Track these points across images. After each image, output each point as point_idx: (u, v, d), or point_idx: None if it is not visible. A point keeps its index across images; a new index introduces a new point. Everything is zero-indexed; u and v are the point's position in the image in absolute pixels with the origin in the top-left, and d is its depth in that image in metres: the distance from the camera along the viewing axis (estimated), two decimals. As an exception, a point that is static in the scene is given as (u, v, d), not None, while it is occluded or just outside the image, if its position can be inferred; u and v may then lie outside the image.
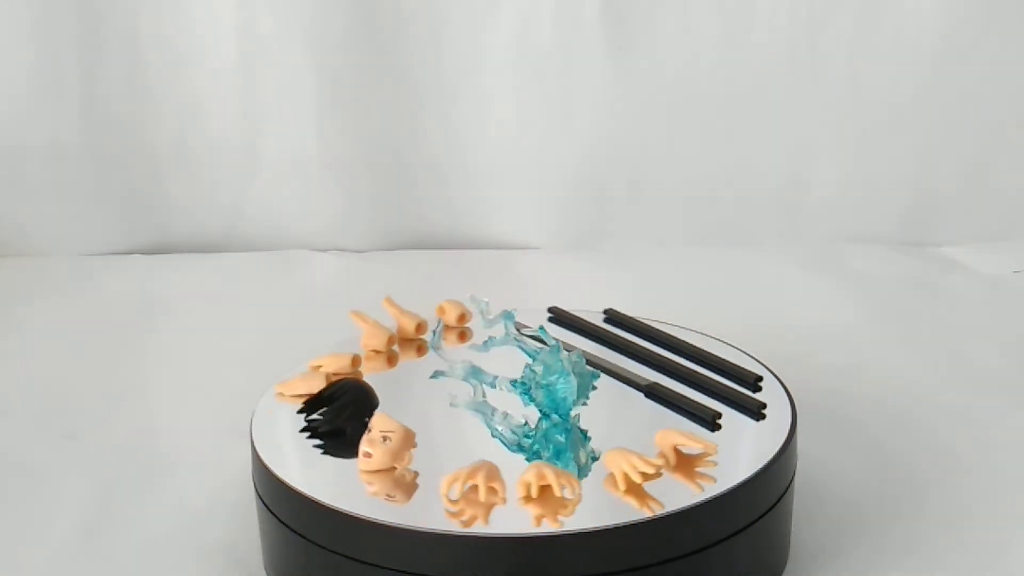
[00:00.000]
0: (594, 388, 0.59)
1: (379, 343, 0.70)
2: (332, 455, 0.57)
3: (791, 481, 0.57)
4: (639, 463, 0.53)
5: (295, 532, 0.53)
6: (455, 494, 0.52)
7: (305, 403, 0.61)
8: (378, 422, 0.55)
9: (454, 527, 0.50)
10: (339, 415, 0.60)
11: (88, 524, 0.64)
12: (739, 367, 0.65)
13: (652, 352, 0.68)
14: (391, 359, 0.70)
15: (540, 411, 0.58)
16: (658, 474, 0.53)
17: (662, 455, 0.54)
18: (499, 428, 0.57)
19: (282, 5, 1.10)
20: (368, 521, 0.50)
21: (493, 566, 0.49)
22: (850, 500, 0.65)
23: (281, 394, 0.63)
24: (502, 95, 1.13)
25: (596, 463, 0.55)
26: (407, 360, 0.70)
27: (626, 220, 1.16)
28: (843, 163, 1.15)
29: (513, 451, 0.56)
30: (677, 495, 0.52)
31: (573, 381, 0.57)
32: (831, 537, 0.62)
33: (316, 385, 0.62)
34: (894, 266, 1.09)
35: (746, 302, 1.00)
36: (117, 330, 0.95)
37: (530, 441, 0.57)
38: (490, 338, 0.63)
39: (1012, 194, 1.15)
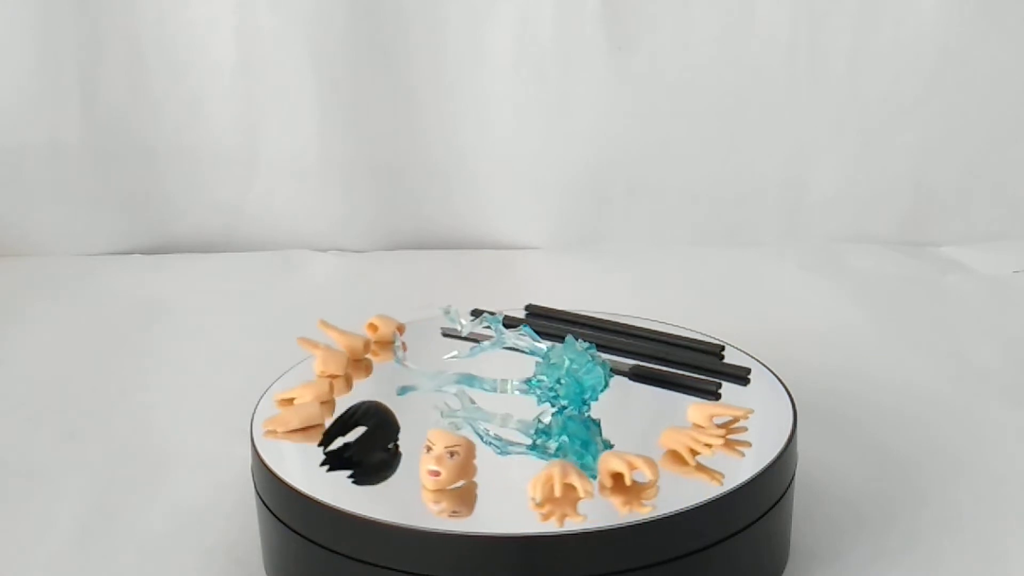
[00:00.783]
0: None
1: (337, 367, 0.65)
2: (366, 483, 0.54)
3: (791, 481, 0.57)
4: (702, 437, 0.55)
5: (295, 532, 0.53)
6: (539, 496, 0.51)
7: (325, 434, 0.57)
8: (439, 438, 0.53)
9: (454, 527, 0.50)
10: (369, 444, 0.56)
11: (88, 524, 0.64)
12: (699, 340, 0.67)
13: (611, 338, 0.68)
14: (349, 381, 0.66)
15: (556, 406, 0.58)
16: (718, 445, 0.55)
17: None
18: (493, 433, 0.57)
19: (282, 5, 1.10)
20: (368, 521, 0.50)
21: (493, 566, 0.49)
22: (850, 500, 0.66)
23: (274, 431, 0.58)
24: (502, 95, 1.13)
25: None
26: (362, 380, 0.66)
27: (626, 220, 1.16)
28: (843, 163, 1.15)
29: (513, 453, 0.56)
30: (677, 495, 0.52)
31: (599, 370, 0.58)
32: (831, 537, 0.62)
33: (307, 417, 0.59)
34: (894, 266, 1.09)
35: (746, 302, 1.00)
36: (117, 330, 0.95)
37: (546, 439, 0.56)
38: (477, 344, 0.63)
39: (1012, 194, 1.15)
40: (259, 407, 0.61)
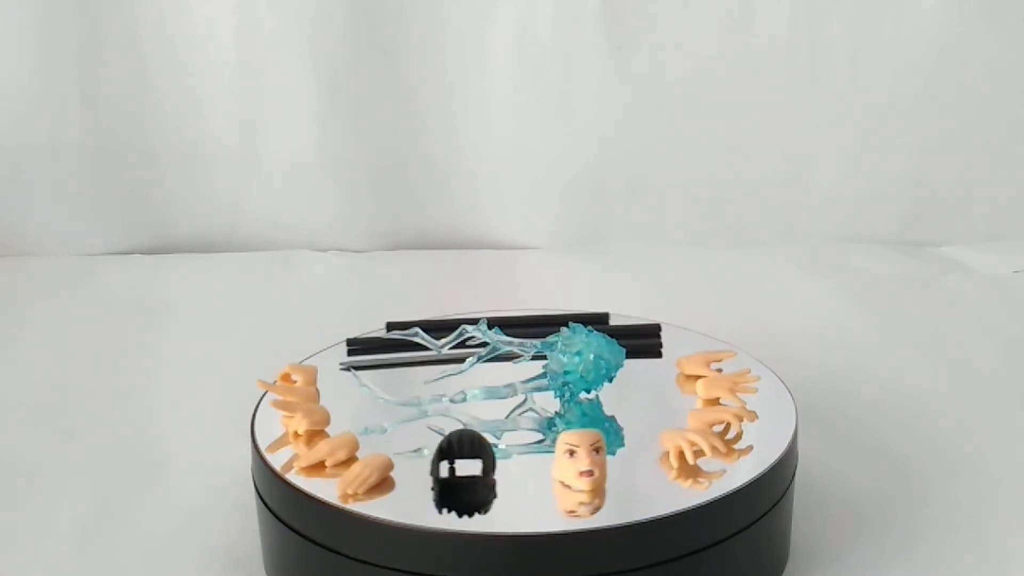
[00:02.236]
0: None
1: (321, 420, 0.58)
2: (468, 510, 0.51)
3: (791, 481, 0.57)
4: (697, 439, 0.54)
5: (295, 532, 0.53)
6: (675, 462, 0.53)
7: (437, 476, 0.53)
8: (578, 438, 0.52)
9: (454, 526, 0.50)
10: (484, 475, 0.53)
11: (88, 524, 0.64)
12: (585, 312, 0.69)
13: (516, 331, 0.65)
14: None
15: (571, 393, 0.58)
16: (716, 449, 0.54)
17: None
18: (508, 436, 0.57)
19: (282, 5, 1.10)
20: (368, 520, 0.50)
21: (493, 566, 0.49)
22: (850, 500, 0.65)
23: (355, 494, 0.52)
24: (502, 95, 1.13)
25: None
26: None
27: (626, 220, 1.16)
28: (843, 163, 1.15)
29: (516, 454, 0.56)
30: (677, 495, 0.52)
31: (617, 347, 0.59)
32: (831, 537, 0.62)
33: (382, 466, 0.53)
34: (894, 266, 1.09)
35: (746, 302, 1.00)
36: (117, 330, 0.95)
37: (565, 427, 0.57)
38: (475, 356, 0.62)
39: (1012, 194, 1.15)
40: (259, 407, 0.61)
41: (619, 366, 0.59)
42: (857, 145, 1.14)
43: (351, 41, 1.11)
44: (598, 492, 0.52)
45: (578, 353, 0.58)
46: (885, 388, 0.81)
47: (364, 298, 1.03)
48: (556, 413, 0.59)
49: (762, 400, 0.61)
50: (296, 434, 0.57)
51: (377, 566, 0.50)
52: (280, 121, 1.14)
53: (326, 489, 0.52)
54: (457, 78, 1.13)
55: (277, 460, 0.55)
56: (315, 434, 0.57)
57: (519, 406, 0.59)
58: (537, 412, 0.58)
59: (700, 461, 0.54)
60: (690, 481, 0.53)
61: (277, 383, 0.61)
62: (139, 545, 0.62)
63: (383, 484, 0.53)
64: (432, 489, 0.52)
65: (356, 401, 0.61)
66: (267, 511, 0.55)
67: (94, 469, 0.71)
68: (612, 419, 0.59)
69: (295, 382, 0.62)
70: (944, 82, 1.12)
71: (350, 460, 0.54)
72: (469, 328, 0.61)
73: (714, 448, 0.54)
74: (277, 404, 0.59)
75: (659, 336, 0.70)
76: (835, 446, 0.71)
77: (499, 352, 0.61)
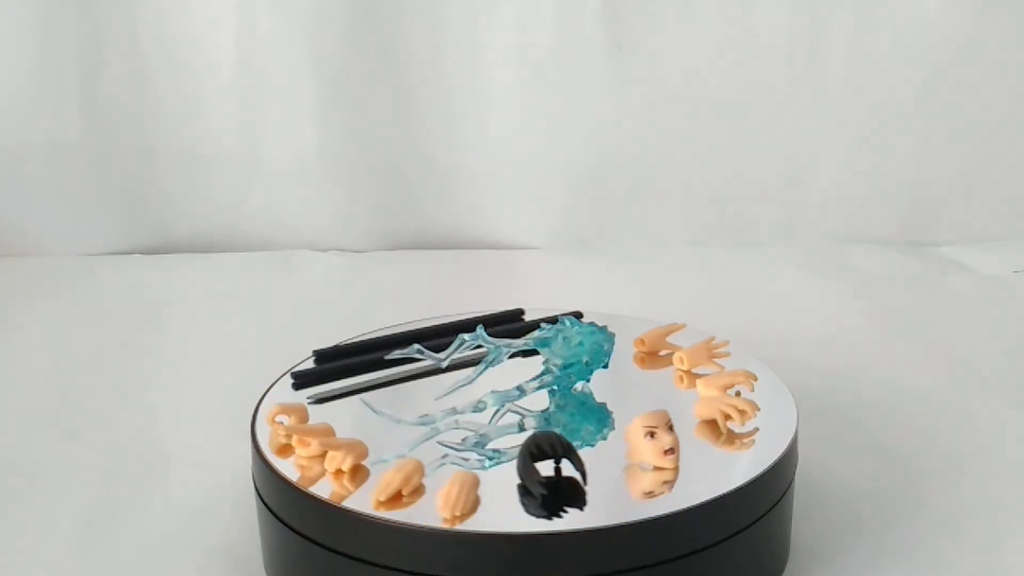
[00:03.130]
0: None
1: (363, 453, 0.55)
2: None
3: (791, 481, 0.57)
4: (736, 403, 0.57)
5: (295, 532, 0.53)
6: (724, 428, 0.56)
7: (530, 478, 0.52)
8: (654, 419, 0.54)
9: (454, 526, 0.50)
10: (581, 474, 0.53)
11: (88, 524, 0.64)
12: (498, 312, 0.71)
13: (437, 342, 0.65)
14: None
15: (568, 384, 0.59)
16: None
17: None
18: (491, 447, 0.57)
19: (282, 5, 1.10)
20: (368, 520, 0.50)
21: (493, 565, 0.49)
22: (850, 500, 0.65)
23: (461, 516, 0.50)
24: (502, 95, 1.14)
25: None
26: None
27: (626, 220, 1.16)
28: (843, 163, 1.15)
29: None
30: (677, 495, 0.52)
31: (609, 333, 0.59)
32: (831, 537, 0.62)
33: (472, 483, 0.52)
34: (894, 266, 1.09)
35: (746, 302, 1.00)
36: (117, 330, 0.95)
37: (567, 417, 0.57)
38: (482, 364, 0.61)
39: (1012, 194, 1.15)
40: (259, 407, 0.61)
41: (610, 352, 0.60)
42: (857, 145, 1.14)
43: (351, 41, 1.11)
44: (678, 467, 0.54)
45: (580, 343, 0.59)
46: (885, 388, 0.81)
47: (364, 298, 1.03)
48: (556, 406, 0.59)
49: (762, 400, 0.61)
50: (340, 471, 0.54)
51: (377, 566, 0.50)
52: (280, 121, 1.14)
53: (326, 489, 0.52)
54: (457, 78, 1.13)
55: (277, 460, 0.55)
56: (358, 467, 0.55)
57: (497, 412, 0.58)
58: (519, 413, 0.58)
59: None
60: (736, 443, 0.56)
61: (292, 425, 0.57)
62: (139, 545, 0.62)
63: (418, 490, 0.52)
64: (532, 491, 0.51)
65: (364, 426, 0.59)
66: (267, 511, 0.55)
67: (94, 469, 0.71)
68: (604, 405, 0.59)
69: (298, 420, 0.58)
70: (944, 82, 1.12)
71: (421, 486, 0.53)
72: (467, 336, 0.61)
73: (750, 409, 0.57)
74: (311, 443, 0.55)
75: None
76: (835, 446, 0.71)
77: (501, 355, 0.61)
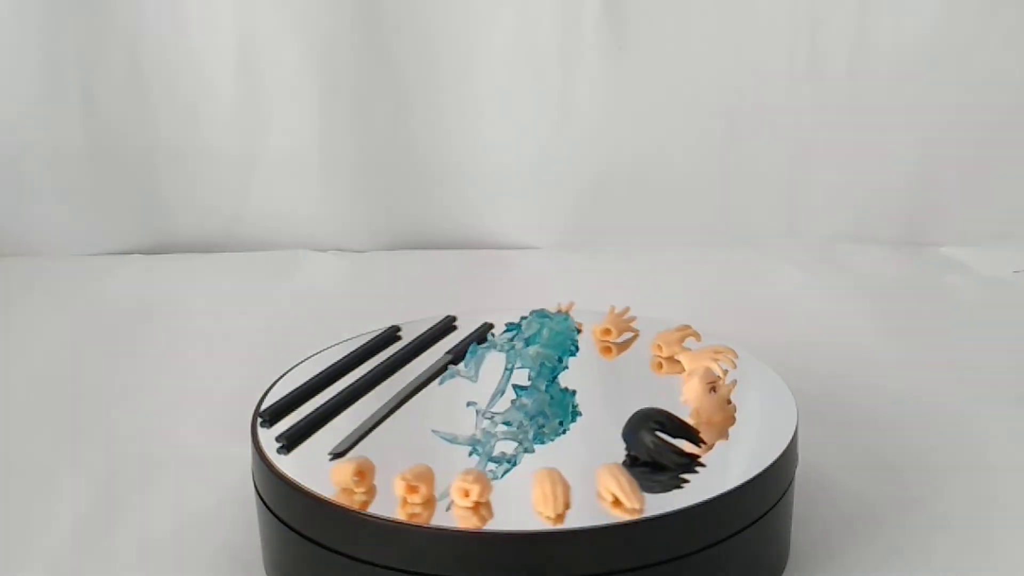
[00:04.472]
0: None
1: (487, 482, 0.52)
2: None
3: (791, 481, 0.57)
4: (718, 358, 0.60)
5: (295, 532, 0.53)
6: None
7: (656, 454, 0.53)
8: (710, 373, 0.58)
9: (454, 525, 0.50)
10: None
11: (88, 524, 0.64)
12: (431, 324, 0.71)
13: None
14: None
15: (547, 375, 0.59)
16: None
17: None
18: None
19: (282, 5, 1.10)
20: (368, 520, 0.50)
21: (493, 564, 0.49)
22: (850, 500, 0.65)
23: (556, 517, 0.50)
24: (502, 95, 1.13)
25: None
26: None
27: (626, 220, 1.16)
28: (843, 163, 1.15)
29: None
30: (677, 495, 0.52)
31: (561, 317, 0.61)
32: (831, 537, 0.62)
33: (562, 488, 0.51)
34: (894, 266, 1.09)
35: (746, 302, 1.00)
36: (117, 330, 0.95)
37: (554, 413, 0.57)
38: (506, 371, 0.62)
39: (1012, 194, 1.15)
40: (259, 407, 0.61)
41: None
42: (857, 145, 1.14)
43: (351, 41, 1.11)
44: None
45: (559, 332, 0.59)
46: (885, 388, 0.81)
47: (364, 298, 1.03)
48: (550, 397, 0.59)
49: (762, 400, 0.61)
50: (477, 504, 0.51)
51: (377, 566, 0.50)
52: (280, 121, 1.14)
53: (326, 488, 0.52)
54: (457, 78, 1.13)
55: (278, 460, 0.55)
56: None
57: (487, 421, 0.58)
58: (510, 423, 0.58)
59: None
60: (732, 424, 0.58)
61: (407, 476, 0.52)
62: (139, 545, 0.62)
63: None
64: (667, 464, 0.53)
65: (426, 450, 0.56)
66: (267, 511, 0.55)
67: (94, 469, 0.71)
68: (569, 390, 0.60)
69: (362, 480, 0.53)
70: (944, 82, 1.12)
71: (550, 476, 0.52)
72: (460, 369, 0.62)
73: (732, 354, 0.62)
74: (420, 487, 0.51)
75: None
76: (835, 446, 0.71)
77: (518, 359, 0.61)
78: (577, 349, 0.65)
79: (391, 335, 0.70)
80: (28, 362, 0.89)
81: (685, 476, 0.53)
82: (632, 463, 0.53)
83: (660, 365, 0.67)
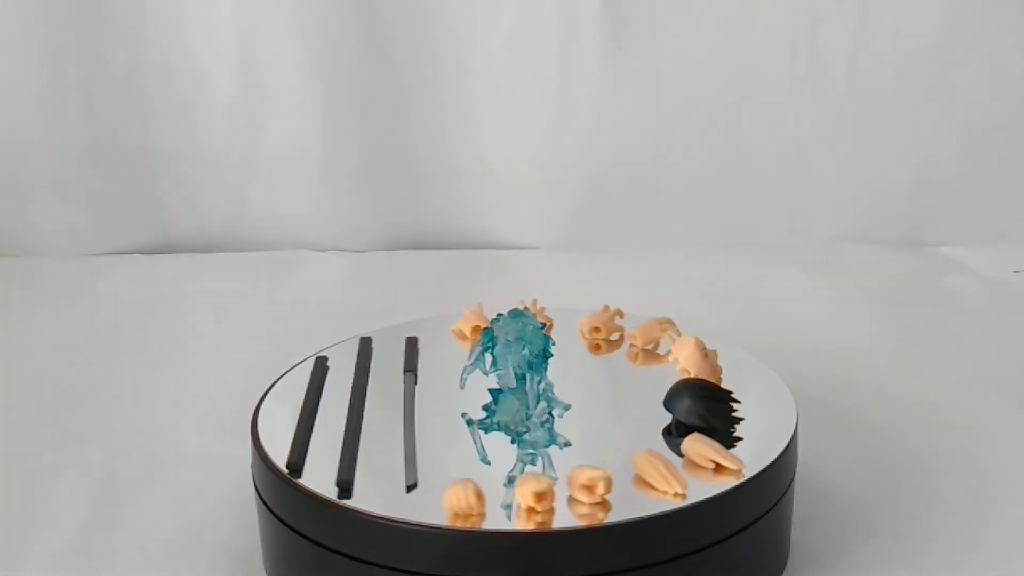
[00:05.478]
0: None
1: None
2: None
3: (791, 481, 0.57)
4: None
5: (295, 532, 0.53)
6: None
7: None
8: (700, 344, 0.63)
9: (454, 524, 0.50)
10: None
11: (88, 524, 0.64)
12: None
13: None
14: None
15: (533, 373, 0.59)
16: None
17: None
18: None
19: (282, 5, 1.10)
20: (368, 520, 0.50)
21: (493, 564, 0.49)
22: (850, 500, 0.65)
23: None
24: (502, 95, 1.13)
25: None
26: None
27: (626, 220, 1.16)
28: (843, 163, 1.15)
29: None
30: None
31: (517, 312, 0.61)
32: (831, 537, 0.62)
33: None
34: (894, 266, 1.09)
35: (746, 302, 1.00)
36: (117, 330, 0.95)
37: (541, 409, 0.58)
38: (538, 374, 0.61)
39: (1012, 194, 1.15)
40: (259, 407, 0.61)
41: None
42: (857, 145, 1.14)
43: (351, 41, 1.11)
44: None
45: (537, 326, 0.59)
46: (885, 388, 0.81)
47: (364, 298, 1.03)
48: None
49: (762, 400, 0.61)
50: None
51: (377, 566, 0.50)
52: (280, 121, 1.14)
53: (327, 488, 0.52)
54: (457, 78, 1.13)
55: (278, 459, 0.55)
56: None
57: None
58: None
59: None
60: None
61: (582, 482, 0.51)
62: (139, 545, 0.62)
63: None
64: (715, 427, 0.57)
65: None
66: (267, 511, 0.55)
67: (94, 469, 0.71)
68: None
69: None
70: (944, 82, 1.12)
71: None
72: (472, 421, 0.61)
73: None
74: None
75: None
76: (835, 446, 0.71)
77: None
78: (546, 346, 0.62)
79: (323, 366, 0.67)
80: (28, 362, 0.89)
81: (737, 435, 0.57)
82: (681, 431, 0.56)
83: (598, 347, 0.70)
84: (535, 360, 0.58)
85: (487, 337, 0.59)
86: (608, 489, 0.50)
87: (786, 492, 0.56)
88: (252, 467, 0.58)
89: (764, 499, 0.54)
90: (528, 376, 0.58)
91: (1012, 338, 0.91)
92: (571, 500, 0.51)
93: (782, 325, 0.93)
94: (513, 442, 0.56)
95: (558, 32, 1.11)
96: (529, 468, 0.54)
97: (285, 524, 0.54)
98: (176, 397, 0.82)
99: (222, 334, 0.94)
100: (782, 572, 0.58)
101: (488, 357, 0.59)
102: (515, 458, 0.55)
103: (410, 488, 0.53)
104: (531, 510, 0.50)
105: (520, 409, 0.57)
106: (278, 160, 1.15)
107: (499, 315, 0.59)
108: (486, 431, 0.58)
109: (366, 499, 0.52)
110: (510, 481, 0.52)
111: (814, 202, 1.16)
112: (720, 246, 1.14)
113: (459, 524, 0.49)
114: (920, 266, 1.09)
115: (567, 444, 0.56)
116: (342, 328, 0.73)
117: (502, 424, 0.57)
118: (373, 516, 0.50)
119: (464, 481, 0.50)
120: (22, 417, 0.79)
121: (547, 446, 0.56)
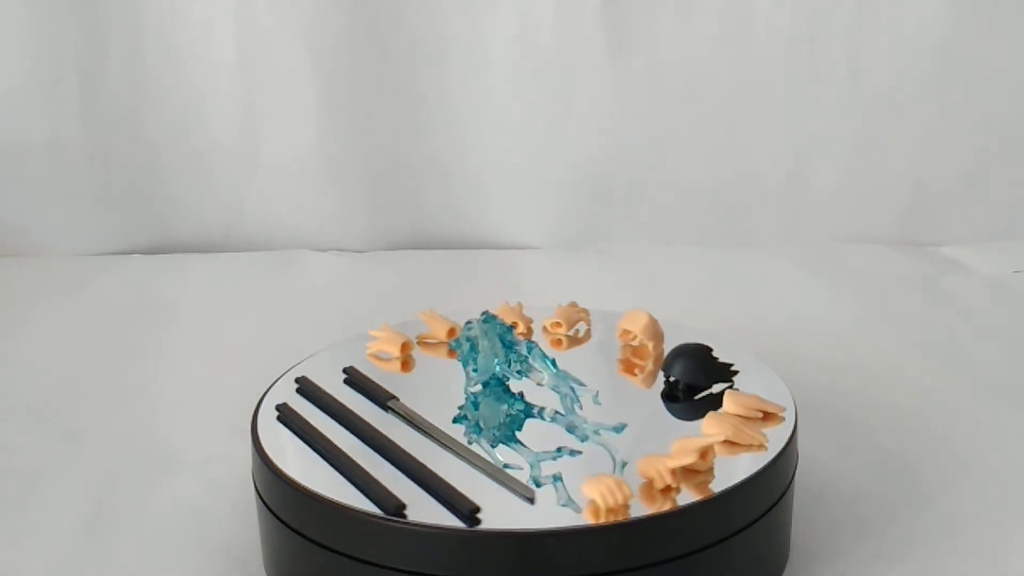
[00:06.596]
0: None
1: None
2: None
3: (791, 481, 0.57)
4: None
5: (295, 532, 0.53)
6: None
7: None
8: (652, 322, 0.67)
9: (455, 524, 0.50)
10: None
11: (89, 523, 0.64)
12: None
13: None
14: None
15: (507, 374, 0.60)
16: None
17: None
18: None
19: (282, 5, 1.10)
20: (368, 519, 0.50)
21: (493, 564, 0.49)
22: (850, 500, 0.65)
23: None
24: (502, 95, 1.14)
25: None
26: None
27: (626, 220, 1.16)
28: (843, 163, 1.15)
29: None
30: (677, 496, 0.52)
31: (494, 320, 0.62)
32: (831, 537, 0.62)
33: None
34: (894, 266, 1.09)
35: (746, 302, 1.00)
36: (117, 330, 0.96)
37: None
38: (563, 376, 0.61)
39: (1012, 194, 1.15)
40: (259, 407, 0.61)
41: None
42: (857, 144, 1.14)
43: (351, 41, 1.11)
44: None
45: (497, 325, 0.60)
46: (885, 388, 0.81)
47: (364, 298, 1.03)
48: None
49: (762, 400, 0.61)
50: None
51: (377, 566, 0.50)
52: (280, 121, 1.14)
53: (326, 488, 0.52)
54: (457, 78, 1.13)
55: (278, 459, 0.55)
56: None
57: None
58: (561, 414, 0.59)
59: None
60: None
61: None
62: (139, 544, 0.62)
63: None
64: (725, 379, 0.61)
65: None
66: (267, 511, 0.55)
67: (94, 469, 0.71)
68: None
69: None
70: (944, 81, 1.12)
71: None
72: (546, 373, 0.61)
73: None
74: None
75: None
76: (835, 446, 0.71)
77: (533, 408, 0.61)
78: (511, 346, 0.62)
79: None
80: (29, 362, 0.89)
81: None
82: (686, 393, 0.61)
83: (559, 342, 0.71)
84: (505, 347, 0.59)
85: (460, 352, 0.60)
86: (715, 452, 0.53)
87: (786, 492, 0.56)
88: (252, 467, 0.58)
89: (764, 499, 0.54)
90: (504, 365, 0.59)
91: (1012, 338, 0.91)
92: (683, 472, 0.52)
93: (781, 324, 0.93)
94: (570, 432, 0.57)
95: (558, 32, 1.11)
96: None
97: (285, 524, 0.54)
98: (176, 397, 0.82)
99: (222, 334, 0.94)
100: (782, 572, 0.58)
101: (470, 370, 0.60)
102: (588, 445, 0.56)
103: (531, 500, 0.52)
104: (668, 488, 0.51)
105: (501, 408, 0.58)
106: (278, 160, 1.15)
107: (455, 340, 0.62)
108: (481, 434, 0.58)
109: (294, 462, 0.55)
110: (623, 467, 0.53)
111: (813, 202, 1.16)
112: (719, 246, 1.14)
113: (609, 519, 0.49)
114: (920, 266, 1.09)
115: (623, 427, 0.57)
116: (342, 328, 0.73)
117: (496, 426, 0.58)
118: (373, 516, 0.50)
119: (601, 476, 0.51)
120: (22, 417, 0.79)
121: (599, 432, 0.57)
